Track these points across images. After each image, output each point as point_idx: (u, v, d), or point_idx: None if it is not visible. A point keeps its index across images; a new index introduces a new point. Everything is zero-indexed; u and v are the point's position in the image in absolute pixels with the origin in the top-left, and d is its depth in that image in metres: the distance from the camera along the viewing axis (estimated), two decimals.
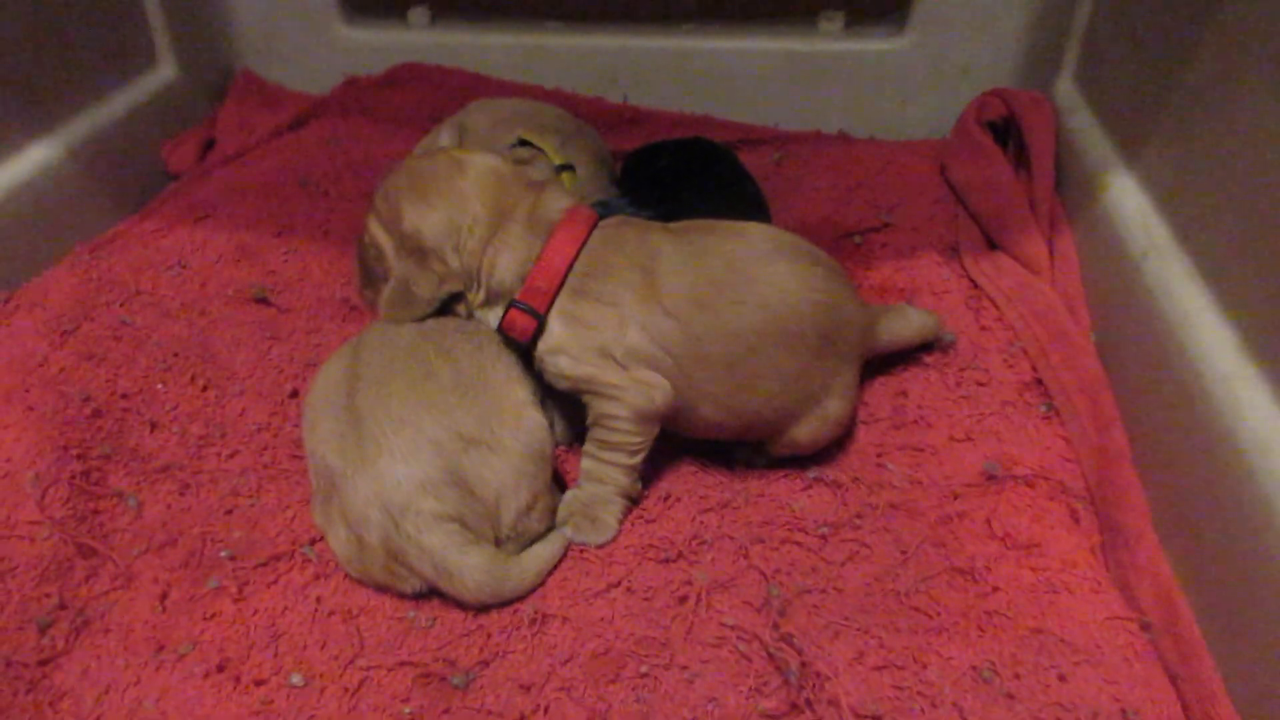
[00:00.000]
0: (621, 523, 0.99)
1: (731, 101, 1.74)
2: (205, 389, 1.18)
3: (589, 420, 0.99)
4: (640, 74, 1.76)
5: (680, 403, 0.97)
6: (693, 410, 0.98)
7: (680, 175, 1.39)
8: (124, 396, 1.15)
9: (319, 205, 1.52)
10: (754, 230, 1.02)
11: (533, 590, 0.91)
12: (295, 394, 1.18)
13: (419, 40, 1.80)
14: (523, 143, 1.35)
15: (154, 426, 1.12)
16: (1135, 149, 1.17)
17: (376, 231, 1.03)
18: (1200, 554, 0.87)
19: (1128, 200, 1.15)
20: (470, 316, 1.03)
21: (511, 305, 0.99)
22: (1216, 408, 0.87)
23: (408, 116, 1.71)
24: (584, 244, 0.98)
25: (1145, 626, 0.88)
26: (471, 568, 0.86)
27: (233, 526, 0.99)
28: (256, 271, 1.39)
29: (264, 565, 0.94)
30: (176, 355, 1.22)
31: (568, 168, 1.32)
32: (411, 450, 0.87)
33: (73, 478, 1.02)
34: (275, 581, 0.93)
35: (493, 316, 1.01)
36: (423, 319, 1.01)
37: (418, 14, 1.81)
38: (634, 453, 0.98)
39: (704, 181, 1.38)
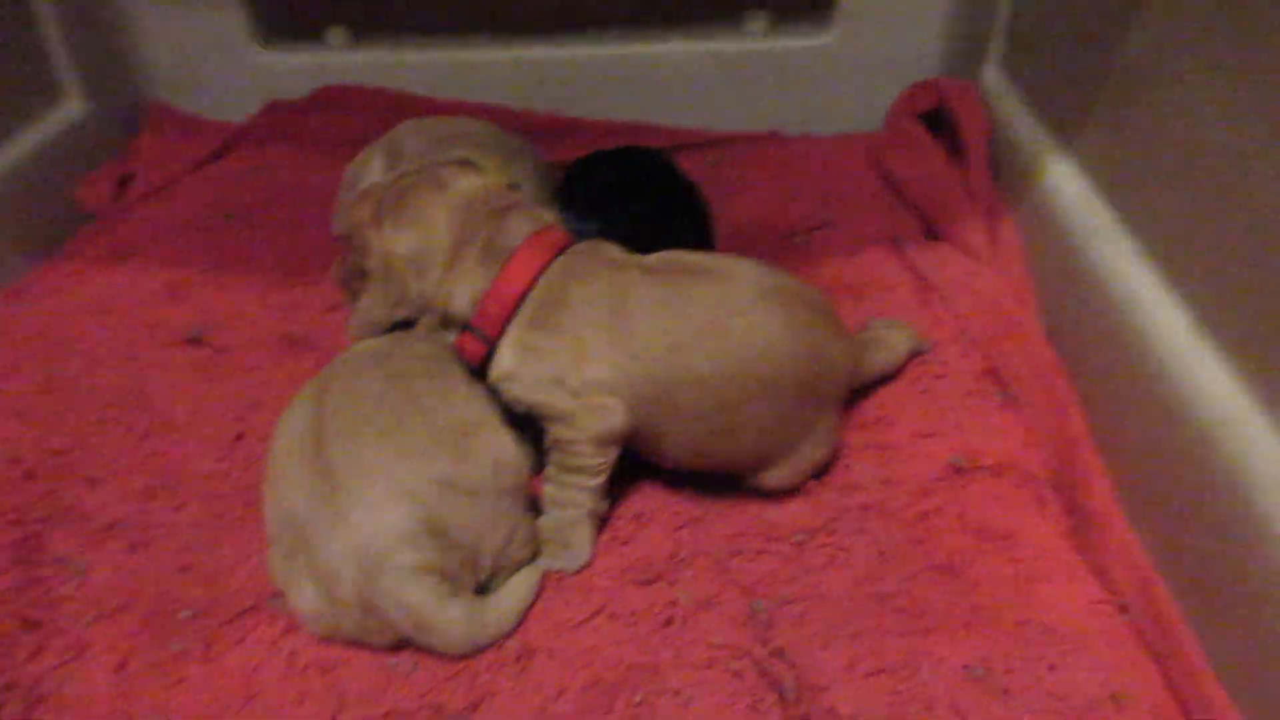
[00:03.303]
0: (594, 543, 0.97)
1: (662, 106, 1.73)
2: (144, 438, 1.13)
3: (546, 443, 0.97)
4: (568, 84, 1.74)
5: (644, 433, 0.96)
6: (657, 446, 0.97)
7: (623, 187, 1.37)
8: (57, 454, 1.10)
9: (249, 238, 1.47)
10: (741, 273, 0.98)
11: (515, 628, 0.88)
12: (241, 437, 1.14)
13: (340, 61, 1.75)
14: (464, 163, 1.31)
15: (93, 483, 1.07)
16: (1070, 134, 1.19)
17: (371, 243, 1.02)
18: (1170, 532, 0.88)
19: (1067, 185, 1.16)
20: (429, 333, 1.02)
21: (464, 329, 0.98)
22: (1174, 387, 0.88)
23: (334, 140, 1.66)
24: (543, 270, 0.96)
25: (1123, 608, 0.89)
26: (452, 621, 0.83)
27: (191, 584, 0.94)
28: (188, 311, 1.34)
29: (230, 622, 0.90)
30: (110, 405, 1.17)
31: (513, 187, 1.29)
32: (387, 501, 0.84)
33: (9, 546, 0.96)
34: (244, 639, 0.89)
35: (448, 338, 1.01)
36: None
37: (336, 34, 1.76)
38: (595, 474, 0.95)
39: (647, 193, 1.36)
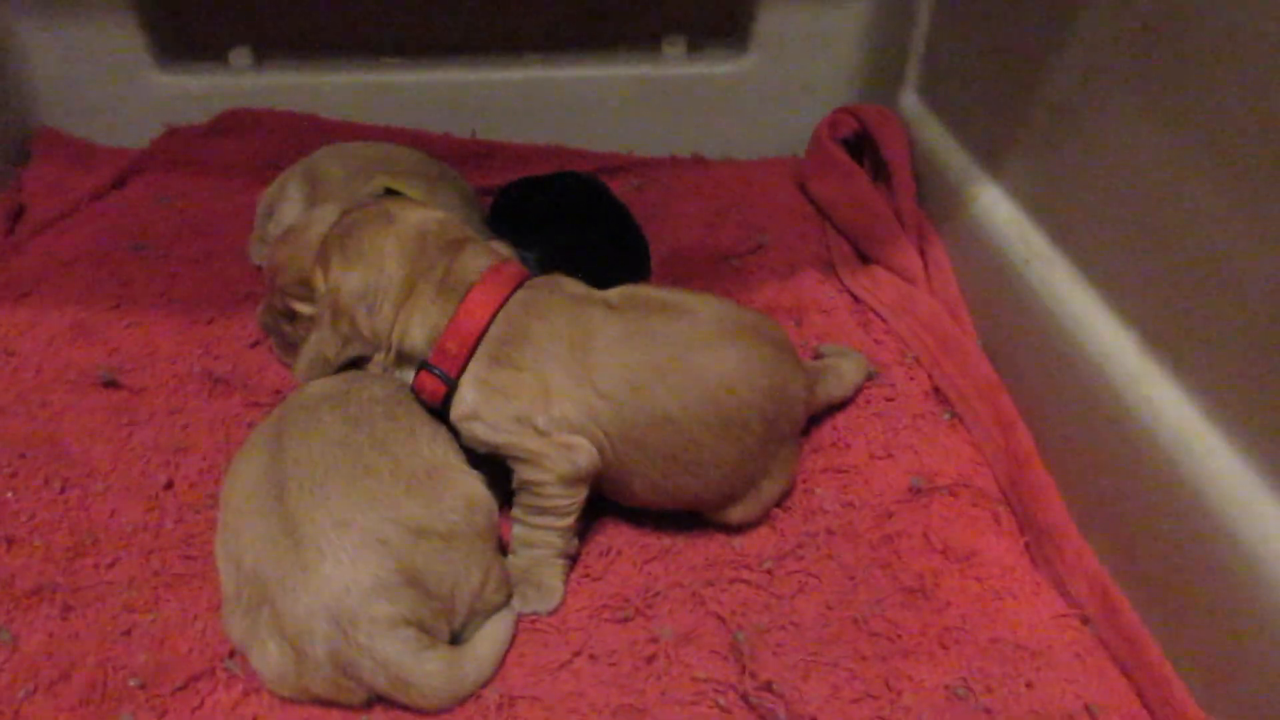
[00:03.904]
0: (566, 583, 0.95)
1: (583, 130, 1.72)
2: (63, 491, 1.05)
3: (514, 484, 0.95)
4: (488, 107, 1.71)
5: (611, 473, 0.94)
6: (624, 485, 0.96)
7: (555, 215, 1.36)
8: None
9: (159, 270, 1.39)
10: (703, 309, 0.97)
11: (493, 676, 0.85)
12: (170, 485, 1.07)
13: (244, 84, 1.68)
14: (388, 192, 1.28)
15: (10, 543, 0.99)
16: (998, 160, 1.23)
17: (317, 281, 0.99)
18: (1128, 546, 0.92)
19: (998, 210, 1.20)
20: (385, 371, 0.98)
21: (423, 367, 0.95)
22: (1127, 407, 0.92)
23: (242, 166, 1.60)
24: (502, 306, 0.94)
25: (1085, 620, 0.92)
26: (429, 674, 0.80)
27: (135, 649, 0.88)
28: (98, 351, 1.25)
29: (183, 689, 0.84)
30: (23, 456, 1.08)
31: None
32: (359, 552, 0.80)
33: None
34: (200, 706, 0.83)
35: (405, 376, 0.98)
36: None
37: (239, 55, 1.69)
38: (565, 514, 0.94)
39: (580, 220, 1.35)
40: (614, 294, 0.99)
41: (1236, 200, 0.82)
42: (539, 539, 0.93)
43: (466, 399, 0.94)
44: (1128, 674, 0.87)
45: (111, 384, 1.20)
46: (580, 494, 0.93)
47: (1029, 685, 0.85)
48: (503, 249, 1.01)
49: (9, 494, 1.04)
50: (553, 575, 0.93)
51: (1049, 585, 0.95)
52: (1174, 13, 0.88)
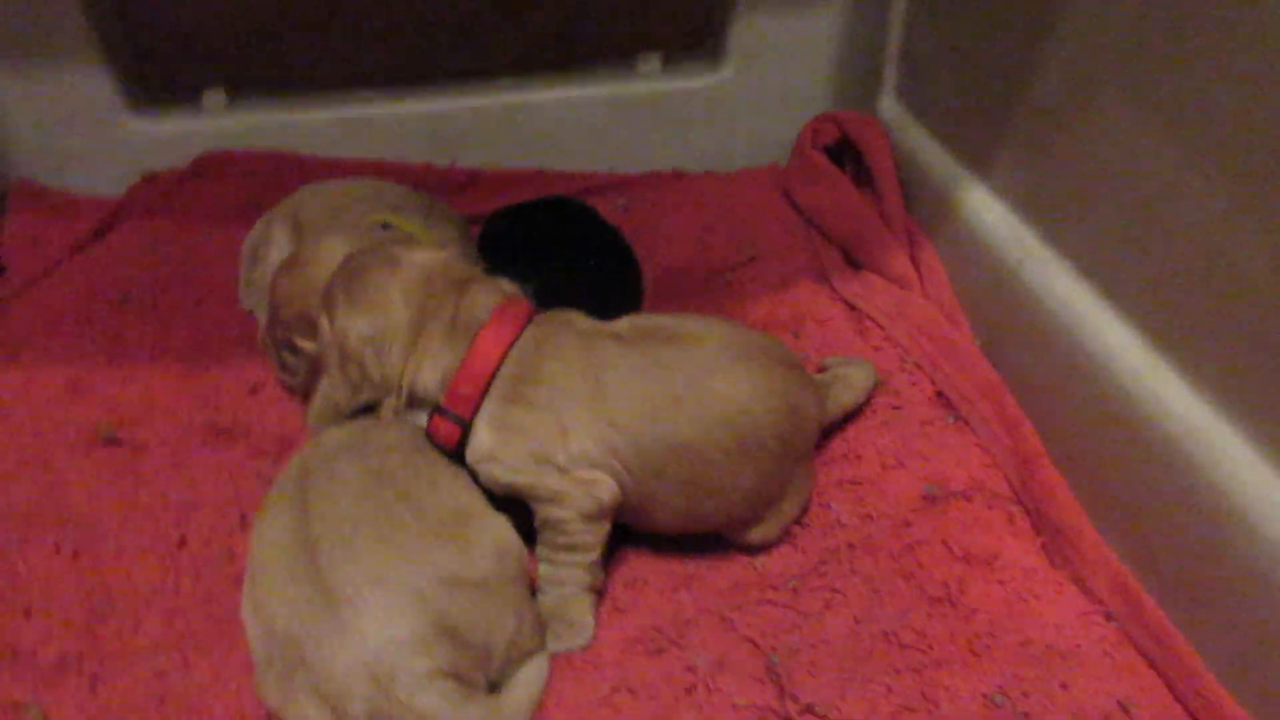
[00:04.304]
0: (596, 616, 0.95)
1: (563, 152, 1.72)
2: (76, 556, 1.04)
3: (536, 523, 0.95)
4: (466, 134, 1.70)
5: (633, 503, 0.95)
6: (647, 514, 0.97)
7: (546, 242, 1.35)
8: None
9: (149, 321, 1.37)
10: (711, 335, 0.98)
11: None
12: (184, 543, 1.06)
13: (219, 125, 1.66)
14: (385, 226, 1.27)
15: (28, 614, 0.98)
16: (985, 162, 1.25)
17: (323, 327, 0.99)
18: (1144, 540, 0.93)
19: (988, 211, 1.22)
20: (397, 414, 0.98)
21: (435, 411, 0.94)
22: (1135, 402, 0.93)
23: (224, 209, 1.58)
24: (513, 344, 0.94)
25: (1109, 617, 0.93)
26: None
27: (171, 715, 0.87)
28: (96, 408, 1.24)
29: None
30: (30, 524, 1.07)
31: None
32: (394, 607, 0.79)
33: None
34: None
35: (417, 419, 0.97)
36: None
37: (213, 97, 1.67)
38: (590, 550, 0.94)
39: (572, 246, 1.35)
40: (623, 326, 0.99)
41: (1233, 192, 0.83)
42: (566, 576, 0.93)
43: (483, 440, 0.93)
44: (1157, 668, 0.88)
45: (112, 441, 1.19)
46: (604, 528, 0.94)
47: (1064, 686, 0.86)
48: (508, 285, 1.01)
49: (19, 564, 1.02)
50: (582, 611, 0.93)
51: (1070, 584, 0.97)
52: (1167, 5, 0.90)
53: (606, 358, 0.94)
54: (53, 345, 1.32)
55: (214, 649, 0.93)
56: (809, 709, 0.84)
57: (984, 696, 0.86)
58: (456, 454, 0.96)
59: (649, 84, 1.72)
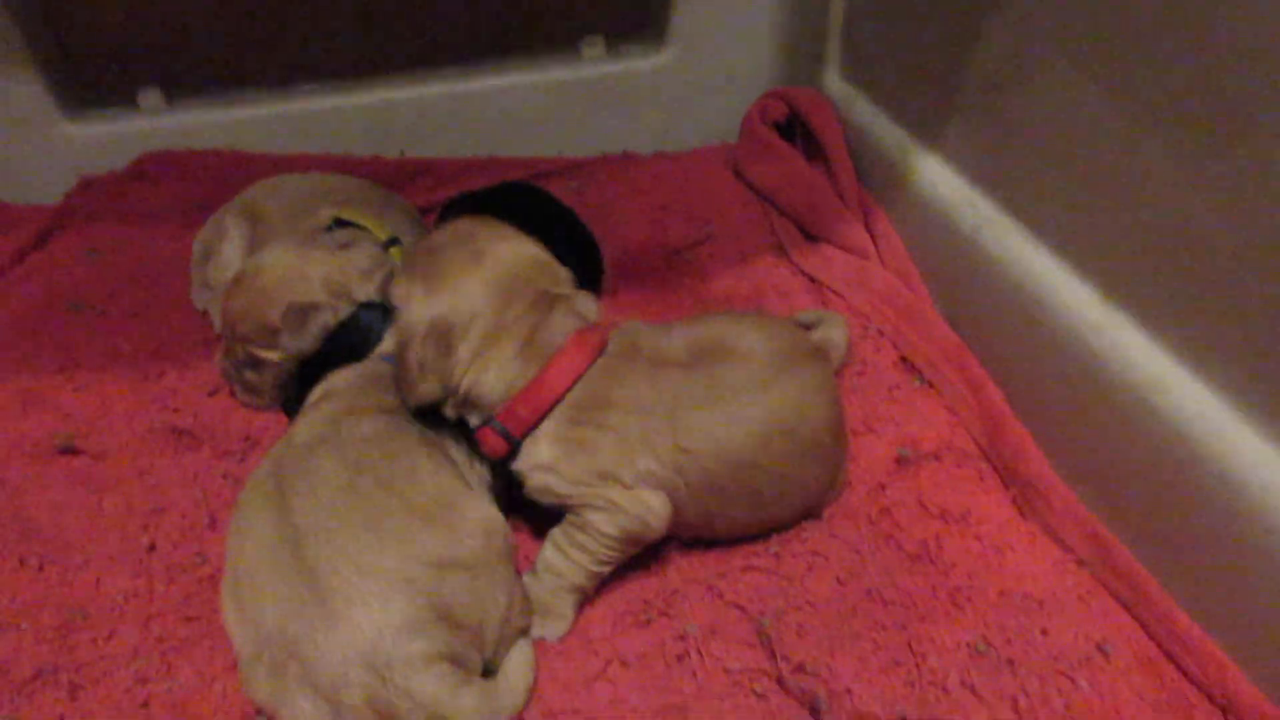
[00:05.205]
0: (577, 614, 0.94)
1: (512, 138, 1.72)
2: (41, 569, 1.01)
3: (569, 517, 0.94)
4: (413, 125, 1.69)
5: (692, 521, 0.95)
6: (708, 528, 0.98)
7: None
8: None
9: (100, 328, 1.34)
10: (750, 339, 0.98)
11: (527, 704, 0.85)
12: (153, 548, 1.04)
13: (157, 125, 1.63)
14: (341, 223, 1.26)
15: None
16: (935, 132, 1.27)
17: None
18: (1112, 487, 0.96)
19: (941, 180, 1.24)
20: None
21: (486, 423, 0.94)
22: (1096, 355, 0.96)
23: (168, 211, 1.55)
24: (583, 374, 0.93)
25: (1082, 563, 0.96)
26: (467, 710, 0.79)
27: (157, 718, 0.85)
28: (49, 418, 1.20)
29: None
30: None
31: (394, 242, 1.25)
32: (386, 594, 0.79)
33: None
34: None
35: (469, 418, 0.96)
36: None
37: (148, 96, 1.64)
38: (605, 563, 0.93)
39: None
40: (678, 346, 0.99)
41: (1181, 147, 0.86)
42: (569, 571, 0.92)
43: (542, 452, 0.92)
44: (1130, 610, 0.91)
45: (70, 451, 1.16)
46: (631, 553, 0.94)
47: (1043, 632, 0.88)
48: (588, 308, 0.98)
49: None
50: (567, 605, 0.93)
51: (1042, 534, 0.99)
52: None
53: (674, 389, 0.94)
54: (1, 357, 1.28)
55: (194, 651, 0.92)
56: (800, 668, 0.86)
57: (968, 646, 0.88)
58: (501, 462, 0.96)
59: (594, 68, 1.73)
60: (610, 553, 0.92)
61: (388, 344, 1.05)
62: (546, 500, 0.93)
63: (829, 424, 0.98)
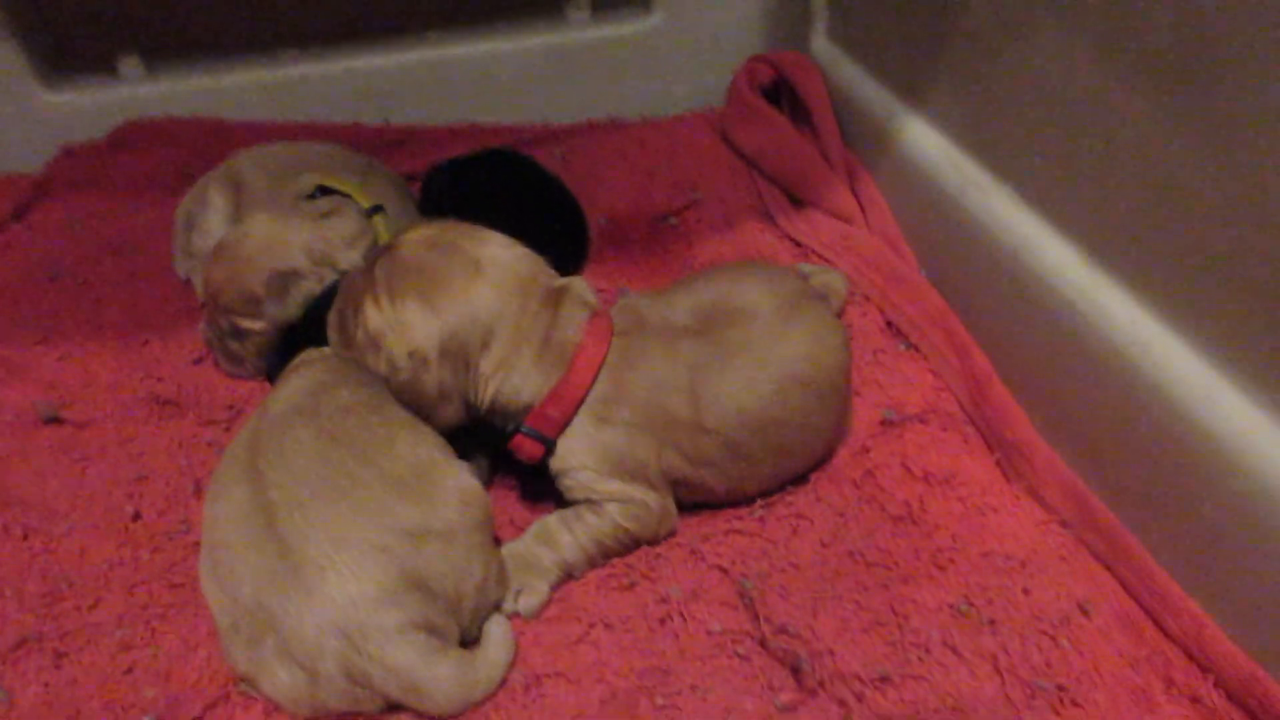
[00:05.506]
0: (553, 590, 0.93)
1: (496, 105, 1.70)
2: (26, 538, 1.01)
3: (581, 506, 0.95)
4: (395, 92, 1.67)
5: (720, 491, 0.97)
6: (739, 492, 0.99)
7: (489, 195, 1.34)
8: None
9: (82, 298, 1.34)
10: (752, 294, 0.98)
11: (505, 678, 0.85)
12: (138, 516, 1.04)
13: (137, 94, 1.61)
14: (323, 190, 1.25)
15: None
16: (921, 94, 1.26)
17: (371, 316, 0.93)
18: (1095, 448, 0.96)
19: (926, 142, 1.23)
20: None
21: (519, 430, 0.93)
22: (1081, 317, 0.96)
23: (149, 180, 1.53)
24: (603, 364, 0.93)
25: (1065, 524, 0.96)
26: (442, 680, 0.79)
27: (141, 685, 0.85)
28: (32, 388, 1.20)
29: (200, 719, 0.82)
30: None
31: (378, 209, 1.24)
32: (360, 564, 0.78)
33: None
34: None
35: (497, 423, 0.96)
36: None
37: (128, 64, 1.62)
38: (605, 554, 0.94)
39: (516, 199, 1.34)
40: (683, 311, 0.98)
41: (1165, 106, 0.85)
42: (562, 546, 0.92)
43: (575, 453, 0.93)
44: (1112, 569, 0.91)
45: (54, 420, 1.15)
46: (625, 553, 0.95)
47: (1025, 592, 0.89)
48: (587, 294, 0.98)
49: None
50: (545, 578, 0.92)
51: (1025, 496, 0.99)
52: None
53: (688, 360, 0.94)
54: None
55: (179, 618, 0.92)
56: (783, 630, 0.86)
57: (950, 607, 0.88)
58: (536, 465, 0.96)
59: (579, 32, 1.71)
60: (617, 546, 0.93)
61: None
62: (578, 496, 0.94)
63: (841, 366, 1.00)
